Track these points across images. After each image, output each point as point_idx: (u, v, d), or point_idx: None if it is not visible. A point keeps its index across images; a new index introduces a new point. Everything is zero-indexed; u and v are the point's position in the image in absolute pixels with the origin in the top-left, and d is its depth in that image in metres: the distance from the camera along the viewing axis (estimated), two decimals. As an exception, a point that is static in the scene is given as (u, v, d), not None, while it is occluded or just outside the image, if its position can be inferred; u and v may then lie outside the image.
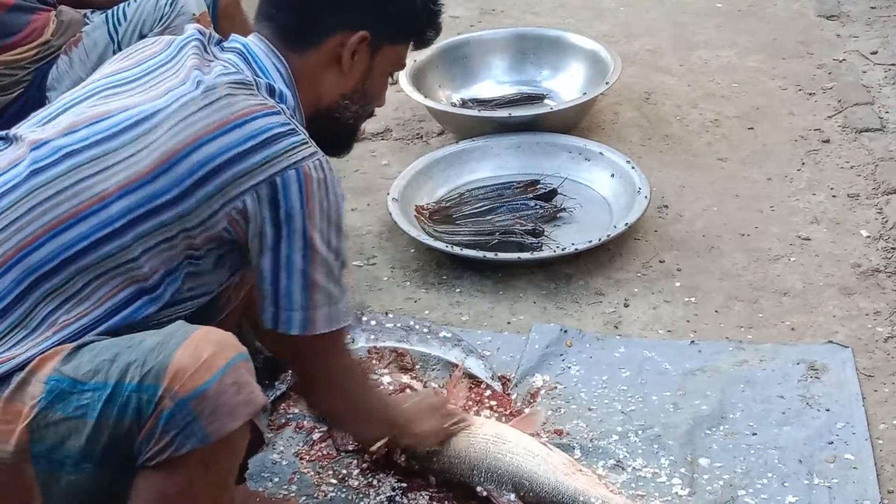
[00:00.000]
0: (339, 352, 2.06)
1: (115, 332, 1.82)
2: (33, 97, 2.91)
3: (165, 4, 2.94)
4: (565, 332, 2.79)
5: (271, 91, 1.95)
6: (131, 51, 2.06)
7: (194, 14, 2.93)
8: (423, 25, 2.13)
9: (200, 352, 1.72)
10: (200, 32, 2.01)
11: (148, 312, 1.86)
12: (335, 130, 2.11)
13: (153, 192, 1.82)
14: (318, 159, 1.88)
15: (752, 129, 3.70)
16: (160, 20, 2.92)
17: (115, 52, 2.92)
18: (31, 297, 1.82)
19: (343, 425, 2.31)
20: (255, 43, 2.01)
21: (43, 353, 1.78)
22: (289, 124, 1.88)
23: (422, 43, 2.16)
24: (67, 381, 1.74)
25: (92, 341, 1.80)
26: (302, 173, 1.85)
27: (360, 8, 2.03)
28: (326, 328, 1.94)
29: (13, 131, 1.96)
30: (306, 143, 1.88)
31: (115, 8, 3.00)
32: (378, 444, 2.34)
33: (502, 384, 2.64)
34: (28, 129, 1.95)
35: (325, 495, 2.35)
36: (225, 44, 2.03)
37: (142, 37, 2.91)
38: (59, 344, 1.79)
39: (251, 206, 1.84)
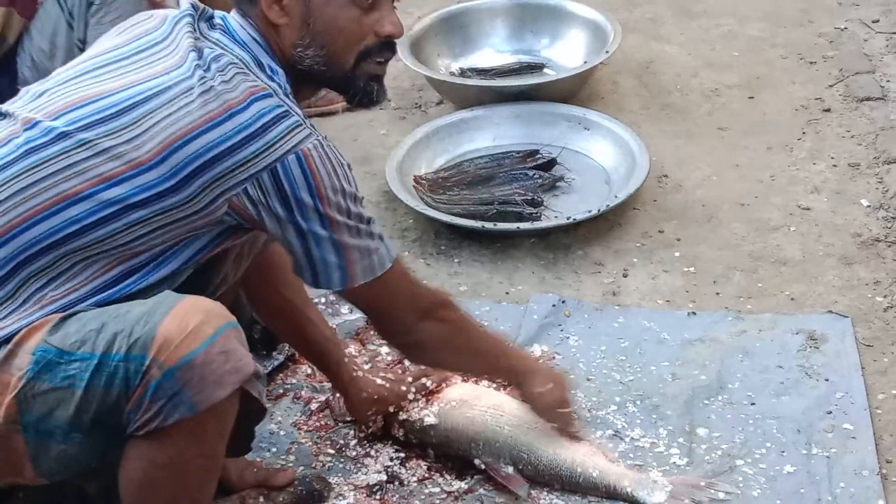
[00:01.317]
0: (397, 288, 2.01)
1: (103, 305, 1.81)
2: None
3: None
4: (564, 302, 2.78)
5: (259, 65, 1.91)
6: (126, 26, 2.02)
7: None
8: None
9: (187, 321, 1.72)
10: (193, 7, 1.97)
11: (138, 288, 1.85)
12: (323, 79, 2.02)
13: (148, 182, 1.80)
14: (316, 139, 1.86)
15: (752, 98, 3.69)
16: None
17: (67, 22, 2.89)
18: (20, 275, 1.81)
19: (434, 357, 2.19)
20: (231, 17, 1.97)
21: (30, 325, 1.77)
22: (281, 106, 1.84)
23: None
24: (54, 352, 1.73)
25: (79, 311, 1.79)
26: (302, 157, 1.83)
27: None
28: (366, 277, 1.93)
29: (5, 107, 1.93)
30: (301, 124, 1.85)
31: None
32: (375, 420, 2.35)
33: (501, 355, 2.62)
34: (22, 105, 1.92)
35: (324, 465, 2.35)
36: (213, 18, 1.98)
37: (88, 3, 2.87)
38: (44, 317, 1.78)
39: (254, 193, 1.82)
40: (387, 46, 1.99)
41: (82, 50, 2.88)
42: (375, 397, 2.35)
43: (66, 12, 2.91)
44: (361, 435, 2.40)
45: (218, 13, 1.99)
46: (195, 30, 1.92)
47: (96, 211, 1.80)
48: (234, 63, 1.87)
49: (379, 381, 2.37)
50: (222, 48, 1.90)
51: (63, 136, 1.82)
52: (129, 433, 1.74)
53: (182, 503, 1.82)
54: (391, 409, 2.36)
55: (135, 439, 1.74)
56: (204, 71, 1.84)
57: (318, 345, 2.36)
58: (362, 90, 2.02)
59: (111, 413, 1.73)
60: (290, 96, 1.92)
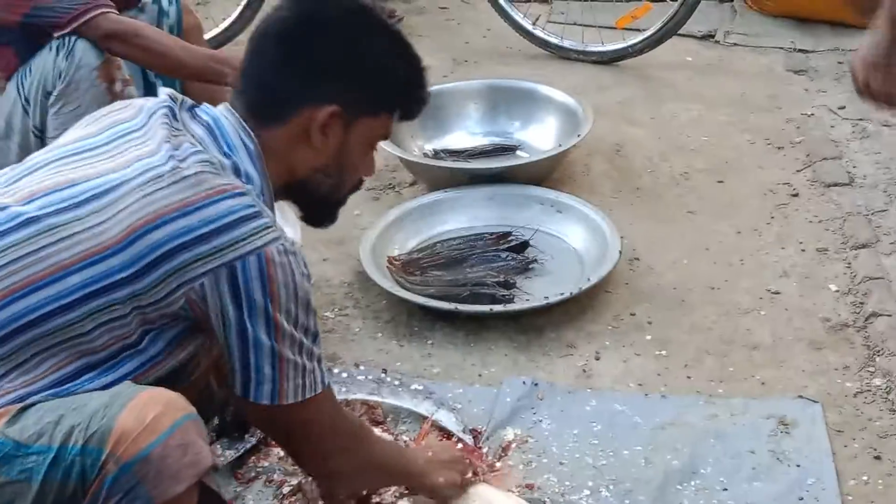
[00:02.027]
0: (319, 416, 1.99)
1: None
2: None
3: (62, 59, 2.87)
4: (536, 385, 2.79)
5: (237, 171, 1.93)
6: (99, 114, 2.04)
7: (96, 66, 2.88)
8: (406, 98, 2.10)
9: (145, 414, 1.70)
10: (172, 98, 1.99)
11: (95, 386, 1.82)
12: (310, 201, 2.11)
13: (110, 268, 1.80)
14: (282, 244, 1.86)
15: (721, 182, 3.73)
16: (60, 76, 2.87)
17: (23, 107, 2.90)
18: None
19: (349, 485, 2.21)
20: (225, 116, 1.99)
21: None
22: (254, 206, 1.86)
23: (407, 116, 2.12)
24: (11, 445, 1.72)
25: (37, 402, 1.77)
26: (263, 258, 1.83)
27: (328, 83, 1.99)
28: (296, 397, 1.91)
29: None
30: (270, 227, 1.86)
31: (25, 65, 2.95)
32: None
33: (473, 437, 2.63)
34: None
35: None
36: (197, 111, 2.00)
37: (46, 93, 2.87)
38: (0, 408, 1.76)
39: (209, 288, 1.82)
40: (360, 183, 2.16)
41: (37, 136, 2.89)
42: None
43: (23, 98, 2.92)
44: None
45: (205, 109, 2.01)
46: (175, 120, 1.94)
47: (58, 298, 1.79)
48: (211, 162, 1.88)
49: None
50: (201, 146, 1.91)
51: (31, 221, 1.82)
52: None
53: None
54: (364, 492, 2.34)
55: None
56: (178, 161, 1.85)
57: None
58: (330, 216, 2.18)
59: None
60: (265, 201, 1.94)
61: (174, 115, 1.96)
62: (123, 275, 1.80)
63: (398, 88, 2.07)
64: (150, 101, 2.00)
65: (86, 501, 1.70)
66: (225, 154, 1.94)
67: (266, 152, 1.98)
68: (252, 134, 1.98)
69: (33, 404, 1.76)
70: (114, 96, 2.83)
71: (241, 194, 1.86)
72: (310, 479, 2.44)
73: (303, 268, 1.90)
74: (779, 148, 3.92)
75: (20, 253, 1.81)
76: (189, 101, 2.01)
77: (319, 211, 2.15)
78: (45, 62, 2.88)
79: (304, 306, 1.89)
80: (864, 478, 2.49)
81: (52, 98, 2.89)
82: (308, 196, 2.09)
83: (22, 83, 2.92)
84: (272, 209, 1.99)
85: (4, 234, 1.82)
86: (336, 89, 1.99)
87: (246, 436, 2.57)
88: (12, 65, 2.94)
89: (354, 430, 2.11)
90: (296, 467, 2.50)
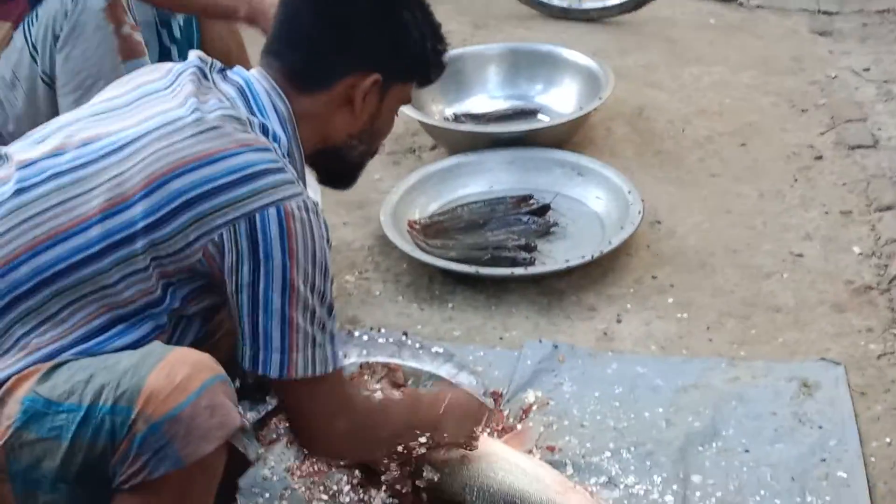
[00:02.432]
0: (325, 398, 1.95)
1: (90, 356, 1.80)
2: None
3: (68, 1, 2.84)
4: (557, 347, 2.78)
5: (265, 131, 1.93)
6: (127, 78, 2.05)
7: (102, 7, 2.82)
8: (430, 65, 2.13)
9: (175, 374, 1.70)
10: (201, 59, 2.00)
11: (125, 341, 1.83)
12: (340, 166, 2.13)
13: (131, 218, 1.81)
14: (303, 199, 1.85)
15: (744, 145, 3.71)
16: (66, 16, 2.86)
17: (30, 54, 2.89)
18: (8, 317, 1.80)
19: (367, 456, 2.20)
20: (257, 80, 1.99)
21: (18, 373, 1.76)
22: (277, 162, 1.86)
23: (426, 81, 2.16)
24: (42, 402, 1.73)
25: (68, 360, 1.78)
26: (283, 211, 1.82)
27: (374, 51, 2.02)
28: (306, 373, 1.89)
29: (3, 150, 1.95)
30: (292, 181, 1.86)
31: (32, 11, 2.92)
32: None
33: (494, 400, 2.62)
34: (18, 148, 1.94)
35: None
36: (228, 73, 2.01)
37: (54, 37, 2.86)
38: (29, 366, 1.77)
39: (227, 240, 1.81)
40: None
41: (46, 83, 2.88)
42: None
43: (30, 45, 2.91)
44: (355, 482, 2.39)
45: (238, 71, 2.01)
46: (205, 79, 1.95)
47: (82, 249, 1.80)
48: (237, 118, 1.89)
49: None
50: (229, 104, 1.91)
51: (56, 175, 1.84)
52: (114, 486, 1.72)
53: None
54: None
55: (121, 493, 1.73)
56: (203, 113, 1.86)
57: None
58: (353, 179, 2.20)
59: (97, 465, 1.72)
60: (294, 163, 1.95)
61: (204, 75, 1.97)
62: (143, 223, 1.80)
63: (426, 55, 2.09)
64: (178, 64, 2.00)
65: (115, 460, 1.71)
66: (253, 114, 1.94)
67: (300, 118, 1.99)
68: (285, 98, 1.98)
69: (65, 362, 1.77)
70: (121, 40, 2.82)
71: (265, 149, 1.86)
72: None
73: (323, 230, 1.89)
74: (802, 110, 3.89)
75: (45, 206, 1.82)
76: (220, 64, 2.02)
77: (346, 174, 2.16)
78: (51, 5, 2.87)
79: (322, 270, 1.87)
80: (887, 440, 2.48)
81: (59, 42, 2.88)
82: (340, 162, 2.10)
83: (29, 30, 2.91)
84: (302, 173, 2.00)
85: (31, 188, 1.84)
86: (377, 57, 2.02)
87: (268, 398, 2.57)
88: (22, 12, 2.94)
89: (367, 413, 2.06)
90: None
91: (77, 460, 1.72)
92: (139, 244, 1.81)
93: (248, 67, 3.07)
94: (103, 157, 1.84)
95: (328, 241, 1.91)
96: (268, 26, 3.05)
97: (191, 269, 1.84)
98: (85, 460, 1.72)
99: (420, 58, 2.09)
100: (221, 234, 1.81)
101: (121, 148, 1.85)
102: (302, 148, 2.01)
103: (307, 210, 1.85)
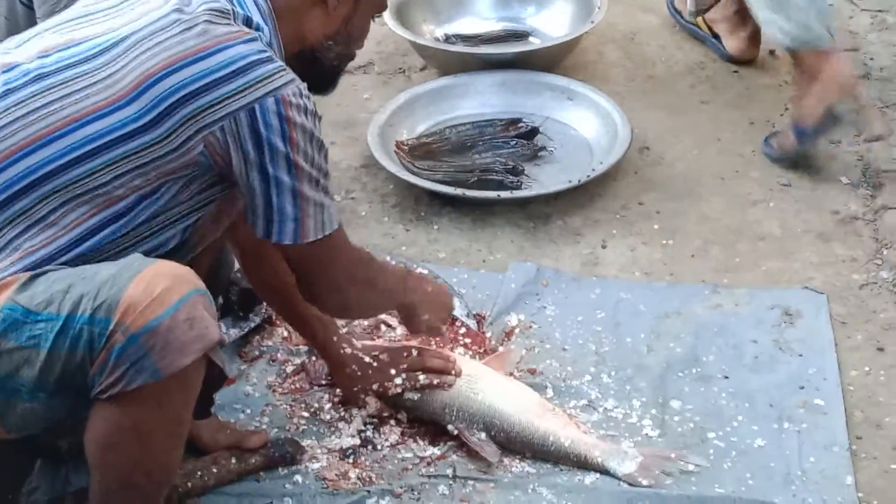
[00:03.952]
0: (336, 254, 2.04)
1: (81, 261, 1.81)
2: None
3: None
4: (541, 271, 2.78)
5: (248, 22, 1.92)
6: None
7: None
8: None
9: (154, 286, 1.71)
10: None
11: (116, 237, 1.84)
12: (318, 70, 2.09)
13: (124, 119, 1.80)
14: (297, 86, 1.87)
15: (736, 72, 3.68)
16: None
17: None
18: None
19: (356, 313, 2.39)
20: None
21: (2, 280, 1.76)
22: (266, 51, 1.87)
23: None
24: (21, 311, 1.73)
25: (48, 270, 1.78)
26: (281, 101, 1.84)
27: None
28: (317, 234, 1.95)
29: None
30: (283, 69, 1.87)
31: None
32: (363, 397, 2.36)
33: (477, 322, 2.63)
34: (1, 53, 1.91)
35: (297, 428, 2.36)
36: None
37: None
38: (20, 271, 1.77)
39: (229, 132, 1.83)
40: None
41: (25, 4, 2.83)
42: (359, 373, 2.35)
43: None
44: (336, 400, 2.41)
45: None
46: None
47: (75, 148, 1.80)
48: (221, 11, 1.87)
49: (367, 359, 2.37)
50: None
51: (41, 76, 1.83)
52: (93, 396, 1.74)
53: (146, 466, 1.82)
54: (375, 388, 2.36)
55: (100, 402, 1.74)
56: (187, 11, 1.84)
57: (308, 324, 2.36)
58: (332, 83, 2.16)
59: (76, 375, 1.73)
60: (275, 50, 1.94)
61: None
62: (138, 124, 1.80)
63: None
64: None
65: (93, 370, 1.72)
66: (235, 6, 1.92)
67: (278, 15, 1.98)
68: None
69: (44, 272, 1.77)
70: None
71: (252, 40, 1.87)
72: (313, 359, 2.46)
73: (315, 109, 1.92)
74: (796, 38, 3.85)
75: (32, 107, 1.81)
76: None
77: (324, 78, 2.13)
78: None
79: (319, 147, 1.92)
80: (866, 369, 2.50)
81: None
82: (318, 65, 2.08)
83: None
84: None
85: (16, 90, 1.82)
86: None
87: (250, 315, 2.59)
88: None
89: (366, 261, 2.19)
90: (299, 346, 2.52)
91: (55, 369, 1.72)
92: (134, 143, 1.81)
93: None
94: (91, 57, 1.83)
95: (319, 117, 1.94)
96: None
97: (194, 163, 1.85)
98: (63, 369, 1.72)
99: None
100: (222, 128, 1.83)
101: (108, 48, 1.83)
102: (281, 44, 1.99)
103: (301, 95, 1.87)
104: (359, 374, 2.36)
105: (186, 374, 1.74)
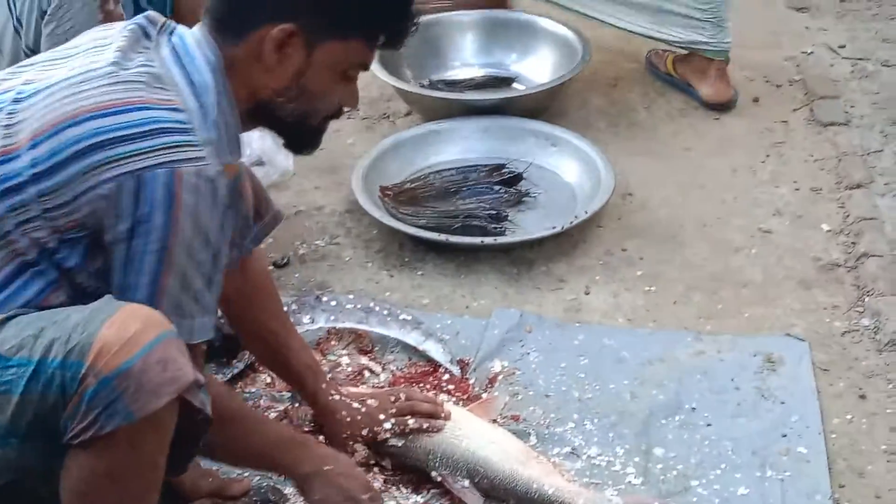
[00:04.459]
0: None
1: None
2: None
3: None
4: (524, 317, 2.79)
5: (192, 83, 1.85)
6: (87, 33, 2.00)
7: None
8: (382, 24, 1.96)
9: (126, 328, 1.69)
10: (149, 19, 1.93)
11: (39, 291, 1.80)
12: (282, 128, 2.01)
13: (22, 166, 1.77)
14: (203, 166, 1.76)
15: (717, 119, 3.71)
16: None
17: (14, 27, 2.85)
18: None
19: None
20: (192, 33, 1.92)
21: None
22: (186, 124, 1.78)
23: (389, 44, 1.99)
24: None
25: (16, 315, 1.77)
26: (174, 175, 1.74)
27: (289, 1, 1.88)
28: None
29: None
30: (197, 146, 1.77)
31: None
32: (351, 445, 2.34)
33: (461, 368, 2.64)
34: None
35: (279, 476, 2.34)
36: (174, 33, 1.93)
37: (41, 12, 2.81)
38: None
39: (112, 196, 1.74)
40: (340, 112, 2.03)
41: (29, 56, 2.85)
42: (349, 420, 2.34)
43: (14, 17, 2.87)
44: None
45: (180, 29, 1.95)
46: (146, 38, 1.89)
47: None
48: (157, 76, 1.82)
49: (356, 404, 2.35)
50: (158, 65, 1.85)
51: None
52: (66, 441, 1.72)
53: None
54: (364, 433, 2.34)
55: (74, 449, 1.72)
56: (120, 68, 1.81)
57: (297, 373, 2.35)
58: (309, 143, 2.05)
59: (48, 419, 1.71)
60: (222, 118, 1.86)
61: (145, 34, 1.90)
62: (34, 171, 1.76)
63: (370, 12, 1.93)
64: (131, 21, 1.95)
65: (66, 414, 1.70)
66: (184, 67, 1.86)
67: (230, 71, 1.90)
68: (215, 46, 1.90)
69: (12, 317, 1.76)
70: (106, 15, 2.79)
71: (175, 110, 1.79)
72: (297, 405, 2.46)
73: (221, 201, 1.80)
74: (777, 86, 3.89)
75: None
76: (173, 25, 1.95)
77: (296, 137, 2.05)
78: None
79: (208, 244, 1.80)
80: (849, 416, 2.50)
81: (46, 17, 2.85)
82: (277, 121, 1.99)
83: (13, 3, 2.88)
84: (234, 129, 1.91)
85: None
86: (298, 8, 1.87)
87: (234, 361, 2.58)
88: None
89: (229, 398, 2.05)
90: (283, 392, 2.52)
91: (27, 414, 1.71)
92: (29, 193, 1.77)
93: None
94: (20, 100, 1.81)
95: (222, 210, 1.81)
96: None
97: (81, 223, 1.78)
98: (35, 414, 1.71)
99: (358, 13, 1.91)
100: (108, 188, 1.74)
101: (36, 92, 1.81)
102: (234, 101, 1.91)
103: (205, 179, 1.77)
104: (348, 420, 2.34)
105: (160, 417, 1.71)
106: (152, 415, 1.70)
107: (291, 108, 1.95)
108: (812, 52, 4.10)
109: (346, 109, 2.05)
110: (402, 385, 2.53)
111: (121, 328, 1.69)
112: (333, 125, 3.54)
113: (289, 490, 2.28)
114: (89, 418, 1.69)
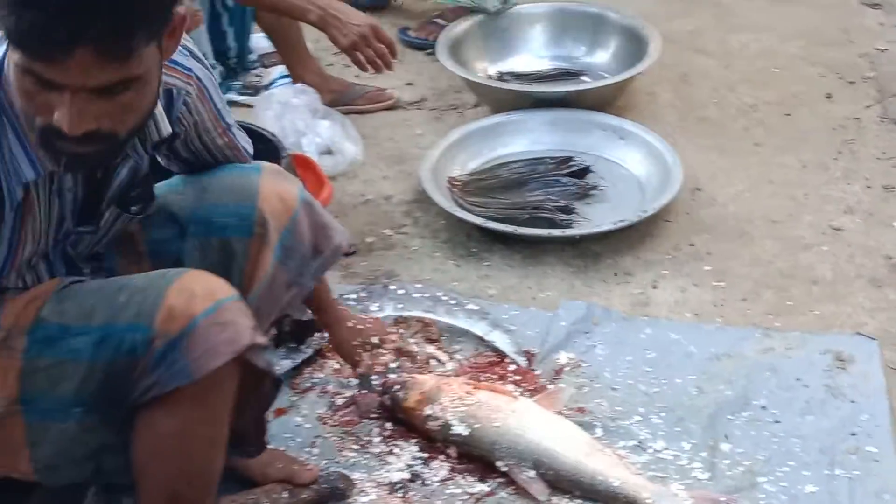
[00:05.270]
0: None
1: None
2: None
3: None
4: (592, 310, 2.78)
5: None
6: None
7: None
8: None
9: (190, 293, 1.75)
10: None
11: None
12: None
13: None
14: None
15: (789, 115, 3.68)
16: None
17: None
18: None
19: None
20: None
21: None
22: None
23: (16, 43, 1.59)
24: (55, 327, 1.77)
25: (73, 283, 1.82)
26: None
27: None
28: None
29: None
30: None
31: None
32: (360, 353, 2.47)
33: (527, 359, 2.64)
34: None
35: (347, 460, 2.37)
36: None
37: None
38: None
39: None
40: (71, 136, 1.63)
41: None
42: (359, 327, 2.45)
43: None
44: (386, 433, 2.42)
45: None
46: None
47: None
48: None
49: (364, 316, 2.50)
50: None
51: None
52: (133, 401, 1.76)
53: (188, 474, 1.84)
54: (373, 340, 2.45)
55: (141, 411, 1.77)
56: None
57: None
58: (53, 158, 1.70)
59: (115, 385, 1.75)
60: None
61: None
62: None
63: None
64: None
65: (132, 377, 1.75)
66: None
67: None
68: None
69: (70, 287, 1.81)
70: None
71: None
72: (363, 391, 2.48)
73: None
74: (850, 82, 3.85)
75: None
76: None
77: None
78: None
79: None
80: (919, 416, 2.48)
81: None
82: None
83: None
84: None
85: None
86: None
87: (302, 347, 2.61)
88: None
89: None
90: (350, 379, 2.54)
91: (95, 380, 1.76)
92: None
93: (298, 41, 3.14)
94: None
95: None
96: (337, 35, 3.14)
97: None
98: (103, 381, 1.76)
99: None
100: None
101: None
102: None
103: None
104: (358, 327, 2.44)
105: (220, 376, 1.76)
106: (213, 374, 1.74)
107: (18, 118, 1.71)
108: (885, 49, 4.05)
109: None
110: (468, 376, 2.55)
111: (185, 293, 1.75)
112: (401, 115, 3.65)
113: (356, 476, 2.30)
114: (155, 378, 1.74)
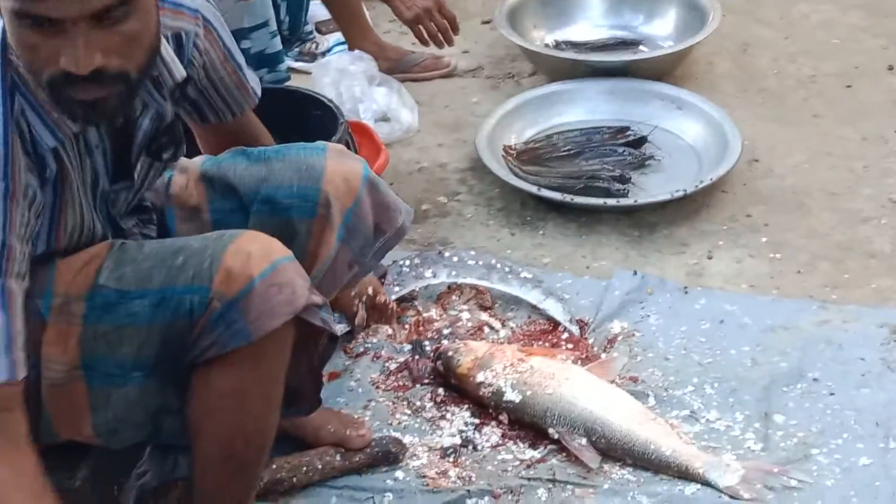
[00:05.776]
0: None
1: None
2: None
3: None
4: (646, 280, 2.78)
5: None
6: None
7: None
8: None
9: (247, 254, 1.77)
10: None
11: None
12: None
13: None
14: None
15: (849, 87, 3.63)
16: None
17: None
18: None
19: None
20: None
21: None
22: None
23: None
24: (113, 293, 1.78)
25: (125, 246, 1.84)
26: None
27: None
28: None
29: None
30: None
31: None
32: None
33: (580, 328, 2.64)
34: None
35: (399, 424, 2.39)
36: None
37: None
38: None
39: None
40: (81, 79, 1.63)
41: None
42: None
43: None
44: (438, 399, 2.43)
45: None
46: None
47: None
48: None
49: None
50: None
51: None
52: (190, 361, 1.79)
53: (245, 433, 1.86)
54: (370, 292, 2.54)
55: (198, 371, 1.79)
56: None
57: None
58: (68, 112, 1.71)
59: (174, 346, 1.78)
60: None
61: None
62: None
63: None
64: None
65: (191, 338, 1.77)
66: None
67: None
68: None
69: (123, 250, 1.83)
70: None
71: None
72: (416, 357, 2.49)
73: None
74: (912, 54, 3.79)
75: None
76: None
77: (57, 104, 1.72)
78: None
79: None
80: (977, 392, 2.45)
81: None
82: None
83: None
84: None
85: None
86: None
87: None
88: None
89: None
90: (403, 345, 2.56)
91: (155, 343, 1.78)
92: None
93: (357, 9, 3.14)
94: None
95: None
96: (401, 7, 3.14)
97: None
98: (162, 343, 1.78)
99: None
100: None
101: None
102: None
103: None
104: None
105: (277, 337, 1.78)
106: (270, 334, 1.76)
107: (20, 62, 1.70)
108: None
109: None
110: (521, 343, 2.55)
111: (242, 254, 1.77)
112: (458, 83, 3.64)
113: (408, 440, 2.32)
114: (213, 339, 1.76)
